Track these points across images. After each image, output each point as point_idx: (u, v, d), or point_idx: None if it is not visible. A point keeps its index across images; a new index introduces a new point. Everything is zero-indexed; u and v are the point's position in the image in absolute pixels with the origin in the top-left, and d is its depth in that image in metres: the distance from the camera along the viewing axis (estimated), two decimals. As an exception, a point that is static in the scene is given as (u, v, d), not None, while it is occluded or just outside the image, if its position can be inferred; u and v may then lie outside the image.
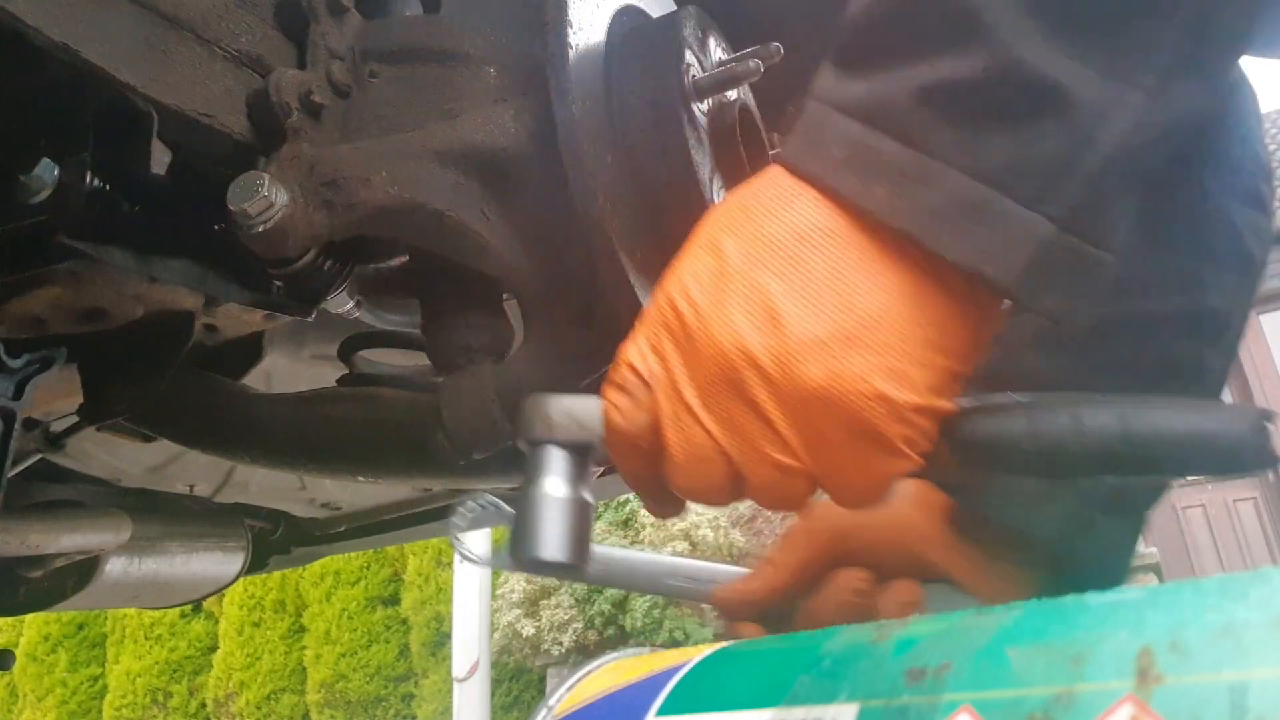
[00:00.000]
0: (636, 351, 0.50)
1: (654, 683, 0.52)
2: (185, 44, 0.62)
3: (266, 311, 0.78)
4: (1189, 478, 0.78)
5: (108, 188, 0.66)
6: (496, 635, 6.19)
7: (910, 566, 0.66)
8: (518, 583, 6.40)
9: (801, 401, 0.45)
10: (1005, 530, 0.66)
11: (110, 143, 0.66)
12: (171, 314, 0.75)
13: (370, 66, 0.70)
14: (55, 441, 1.08)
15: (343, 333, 0.90)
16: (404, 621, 7.39)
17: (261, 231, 0.63)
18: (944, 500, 0.67)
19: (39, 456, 1.10)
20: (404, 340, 0.90)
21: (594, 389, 0.53)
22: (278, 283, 0.76)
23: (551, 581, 6.32)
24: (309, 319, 0.80)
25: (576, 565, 0.51)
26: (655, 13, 0.73)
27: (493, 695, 6.00)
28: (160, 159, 0.71)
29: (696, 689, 0.49)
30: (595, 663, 0.62)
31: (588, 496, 0.53)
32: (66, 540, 1.07)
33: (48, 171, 0.65)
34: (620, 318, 0.62)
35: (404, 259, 0.83)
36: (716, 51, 0.70)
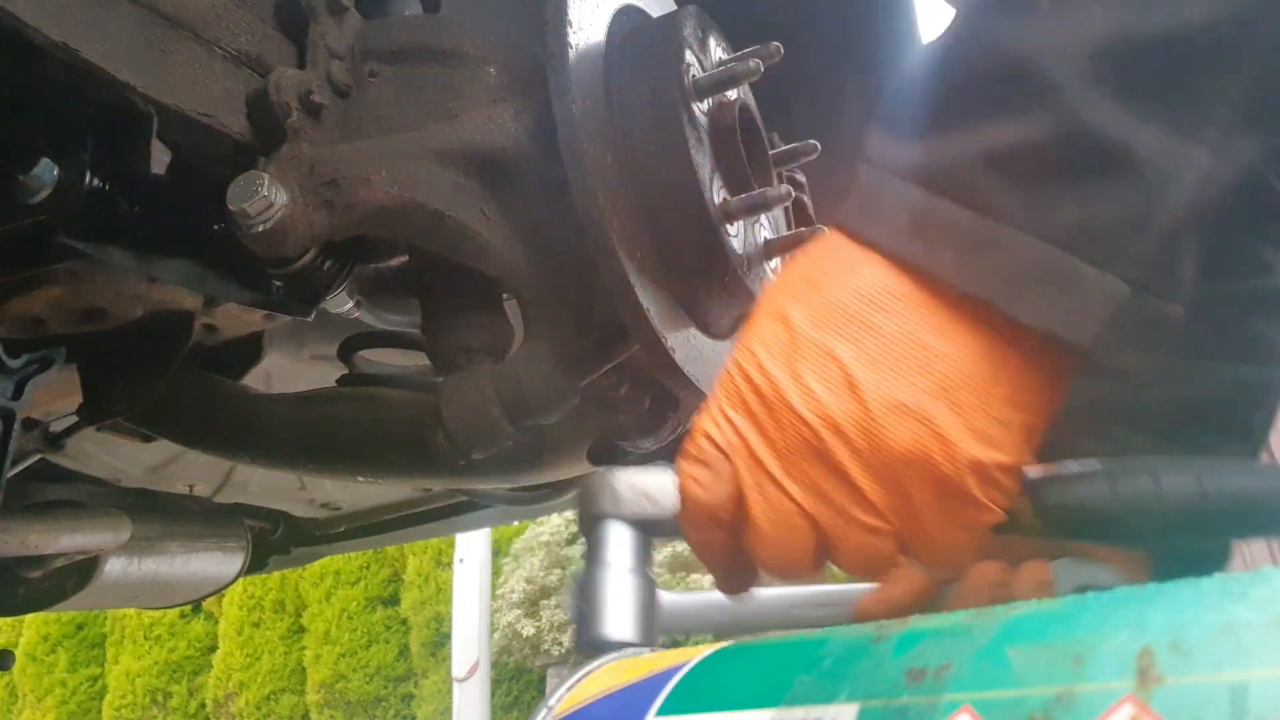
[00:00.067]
0: (711, 423, 0.51)
1: (654, 683, 0.51)
2: (185, 44, 0.62)
3: (266, 311, 0.78)
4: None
5: (107, 187, 0.66)
6: (496, 635, 6.20)
7: (1041, 547, 0.66)
8: (517, 583, 6.40)
9: (887, 465, 0.45)
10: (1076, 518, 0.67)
11: (110, 142, 0.66)
12: (171, 314, 0.75)
13: (370, 66, 0.70)
14: (55, 441, 1.08)
15: (343, 333, 0.90)
16: (404, 621, 7.39)
17: (261, 231, 0.63)
18: None
19: (39, 456, 1.10)
20: (404, 340, 0.90)
21: (594, 388, 0.53)
22: (277, 283, 0.76)
23: (551, 581, 6.32)
24: (309, 319, 0.80)
25: (645, 644, 0.51)
26: (655, 13, 0.73)
27: (493, 695, 6.00)
28: (160, 159, 0.71)
29: (696, 689, 0.49)
30: (595, 663, 0.62)
31: (652, 574, 0.53)
32: (66, 540, 1.07)
33: (47, 171, 0.65)
34: (620, 318, 0.62)
35: (404, 259, 0.83)
36: (716, 51, 0.70)
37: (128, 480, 1.32)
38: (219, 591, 1.45)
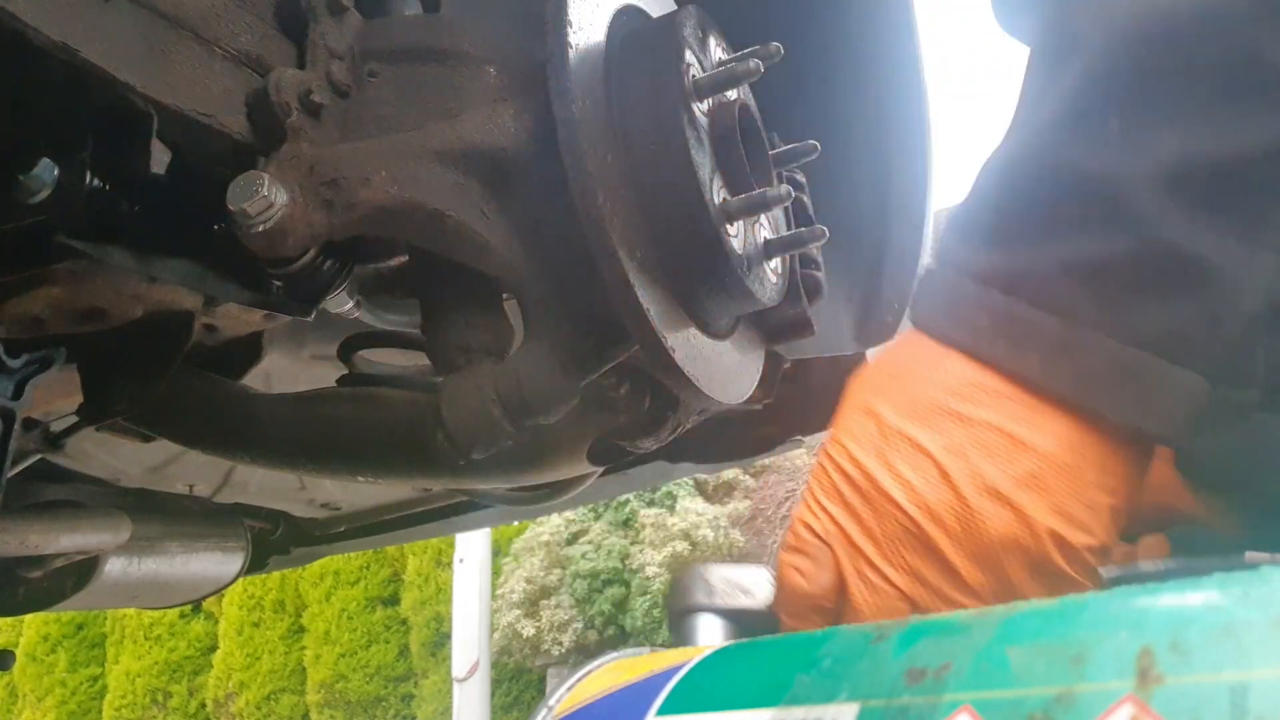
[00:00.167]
0: (810, 513, 0.53)
1: (654, 683, 0.51)
2: (185, 44, 0.62)
3: (266, 311, 0.78)
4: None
5: (107, 187, 0.66)
6: (496, 635, 6.19)
7: (1155, 518, 0.68)
8: (517, 583, 6.40)
9: (984, 548, 0.48)
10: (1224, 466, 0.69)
11: (110, 142, 0.66)
12: (171, 314, 0.75)
13: (370, 66, 0.70)
14: (55, 441, 1.08)
15: (343, 333, 0.90)
16: (404, 622, 7.39)
17: (261, 231, 0.63)
18: (1166, 451, 0.71)
19: (38, 456, 1.10)
20: (404, 340, 0.90)
21: (594, 388, 0.53)
22: (277, 283, 0.76)
23: (551, 581, 6.32)
24: (309, 319, 0.80)
25: None
26: (655, 13, 0.73)
27: (493, 695, 6.00)
28: (160, 159, 0.71)
29: (696, 689, 0.49)
30: (595, 663, 0.62)
31: None
32: (66, 540, 1.07)
33: (47, 171, 0.65)
34: (620, 318, 0.62)
35: (404, 259, 0.83)
36: (716, 51, 0.70)
37: (127, 480, 1.32)
38: (219, 591, 1.45)
